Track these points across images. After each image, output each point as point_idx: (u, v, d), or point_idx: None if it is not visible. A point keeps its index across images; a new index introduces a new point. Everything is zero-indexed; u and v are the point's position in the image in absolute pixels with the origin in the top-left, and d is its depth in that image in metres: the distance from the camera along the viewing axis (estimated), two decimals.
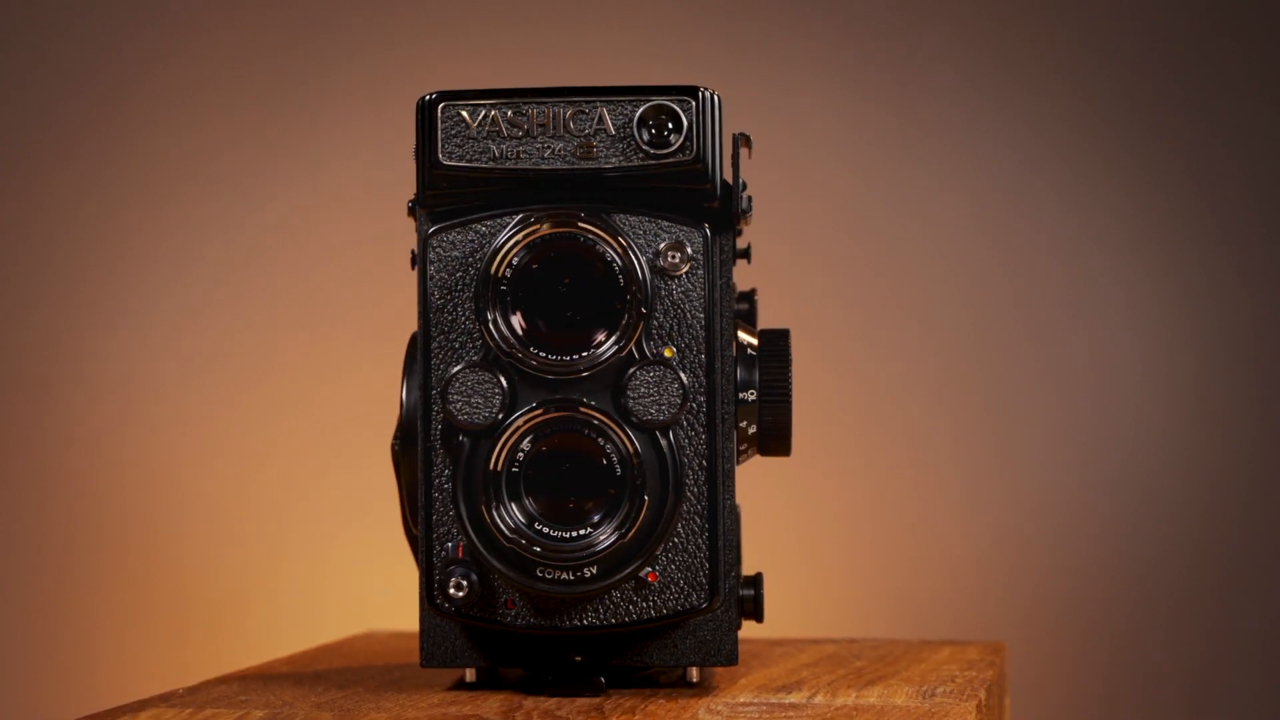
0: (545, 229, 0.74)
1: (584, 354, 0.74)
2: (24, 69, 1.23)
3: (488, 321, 0.73)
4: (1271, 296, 1.52)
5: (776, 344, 0.78)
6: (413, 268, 0.80)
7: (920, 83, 1.45)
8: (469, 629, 0.76)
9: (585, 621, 0.75)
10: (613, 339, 0.74)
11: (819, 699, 0.76)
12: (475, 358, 0.74)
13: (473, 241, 0.75)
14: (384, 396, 0.87)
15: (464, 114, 0.75)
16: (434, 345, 0.75)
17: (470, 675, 0.77)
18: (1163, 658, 1.48)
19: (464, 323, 0.74)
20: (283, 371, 1.28)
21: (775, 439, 0.78)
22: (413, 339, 0.79)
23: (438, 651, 0.77)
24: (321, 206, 1.28)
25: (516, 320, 0.74)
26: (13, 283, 1.23)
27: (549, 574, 0.74)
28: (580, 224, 0.74)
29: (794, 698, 0.78)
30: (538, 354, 0.74)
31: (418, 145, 0.76)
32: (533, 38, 1.37)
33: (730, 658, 0.78)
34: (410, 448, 0.76)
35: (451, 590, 0.73)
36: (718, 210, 0.77)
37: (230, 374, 1.26)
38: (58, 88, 1.24)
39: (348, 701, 0.76)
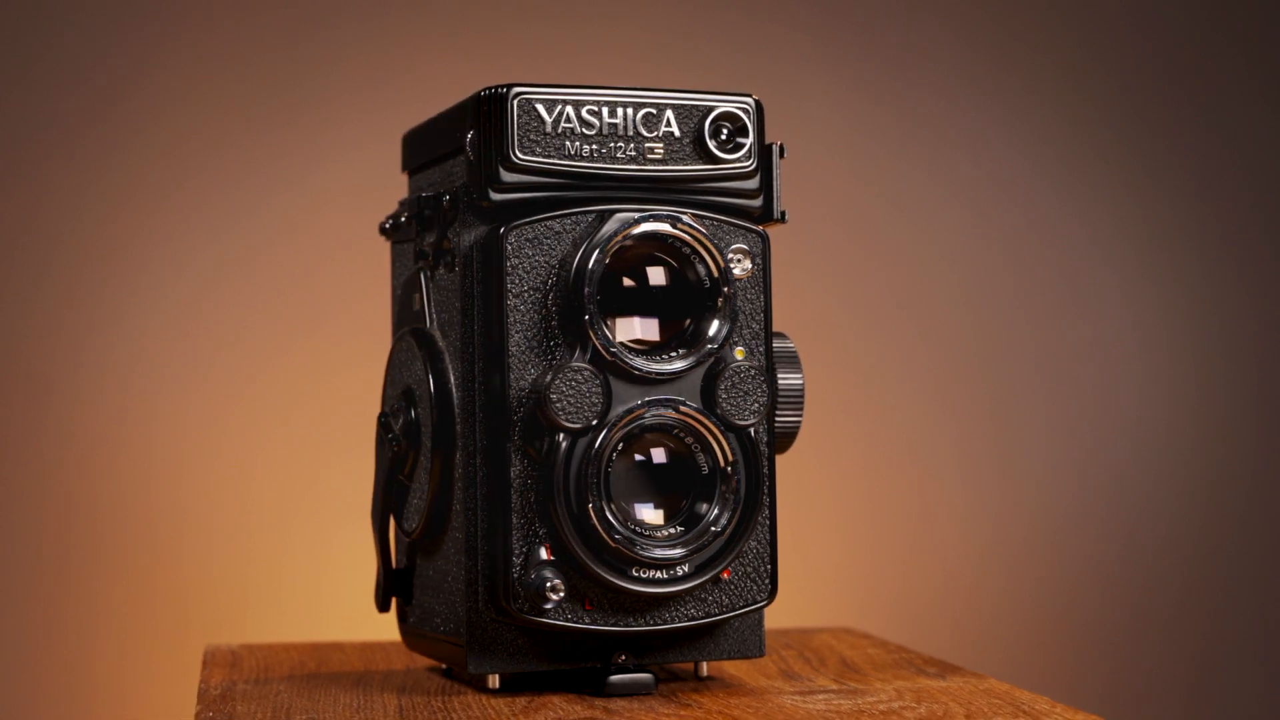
0: (640, 230, 0.73)
1: (678, 355, 0.74)
2: (24, 69, 1.23)
3: (589, 323, 0.73)
4: (1271, 296, 1.52)
5: (787, 349, 0.79)
6: (386, 236, 0.81)
7: (921, 83, 1.45)
8: (523, 630, 0.74)
9: (666, 619, 0.75)
10: (706, 341, 0.75)
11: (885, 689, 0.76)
12: (575, 358, 0.72)
13: (549, 240, 0.73)
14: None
15: (539, 109, 0.74)
16: (511, 344, 0.73)
17: (494, 681, 0.75)
18: (1163, 657, 1.48)
19: (543, 322, 0.73)
20: (282, 371, 1.28)
21: (785, 439, 0.79)
22: (419, 335, 0.78)
23: (488, 655, 0.75)
24: (322, 206, 1.28)
25: (614, 321, 0.74)
26: (13, 282, 1.23)
27: (643, 573, 0.73)
28: (678, 226, 0.74)
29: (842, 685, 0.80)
30: (635, 355, 0.74)
31: (479, 138, 0.74)
32: (534, 37, 1.37)
33: (760, 650, 0.79)
34: (446, 449, 0.75)
35: (549, 593, 0.72)
36: (762, 216, 0.78)
37: (230, 373, 1.26)
38: (57, 88, 1.24)
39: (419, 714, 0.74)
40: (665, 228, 0.74)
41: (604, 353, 0.73)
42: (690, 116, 0.76)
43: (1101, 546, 1.47)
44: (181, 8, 1.28)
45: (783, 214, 0.79)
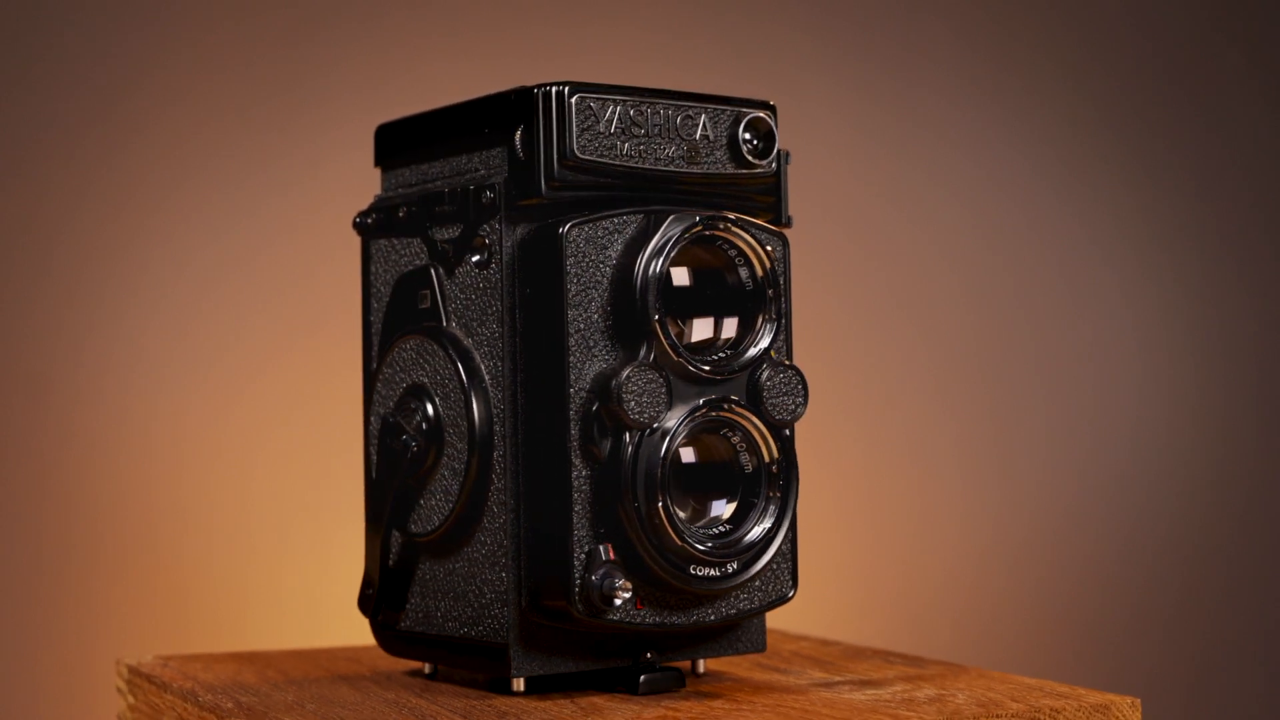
0: (701, 233, 0.74)
1: (727, 354, 0.75)
2: (24, 69, 1.23)
3: (659, 324, 0.73)
4: (1271, 296, 1.52)
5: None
6: (361, 231, 0.80)
7: (921, 83, 1.45)
8: (567, 633, 0.74)
9: (710, 615, 0.75)
10: (756, 340, 0.75)
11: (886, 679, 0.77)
12: (642, 358, 0.72)
13: (602, 239, 0.74)
14: None
15: (594, 107, 0.74)
16: (571, 343, 0.73)
17: (520, 684, 0.75)
18: (1163, 657, 1.48)
19: (598, 321, 0.73)
20: (282, 371, 1.28)
21: None
22: (435, 333, 0.76)
23: (529, 657, 0.74)
24: (321, 206, 1.28)
25: (678, 321, 0.74)
26: (12, 282, 1.23)
27: (700, 570, 0.74)
28: (730, 230, 0.75)
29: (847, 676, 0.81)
30: (695, 354, 0.74)
31: (535, 134, 0.74)
32: (534, 37, 1.37)
33: (763, 645, 0.80)
34: (484, 448, 0.73)
35: (618, 593, 0.72)
36: (773, 220, 0.79)
37: (230, 373, 1.26)
38: (57, 88, 1.24)
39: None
40: (720, 231, 0.75)
41: (671, 353, 0.73)
42: (721, 120, 0.77)
43: (1101, 546, 1.47)
44: (181, 8, 1.28)
45: (789, 219, 0.81)
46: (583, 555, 0.72)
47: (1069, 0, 1.50)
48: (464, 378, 0.75)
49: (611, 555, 0.72)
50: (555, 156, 0.74)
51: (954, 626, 1.43)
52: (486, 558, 0.75)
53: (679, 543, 0.72)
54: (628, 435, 0.72)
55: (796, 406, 0.76)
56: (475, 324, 0.76)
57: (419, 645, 0.79)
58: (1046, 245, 1.47)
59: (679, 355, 0.73)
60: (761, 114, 0.78)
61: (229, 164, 1.28)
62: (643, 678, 0.75)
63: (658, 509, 0.72)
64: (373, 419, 0.80)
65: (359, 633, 1.10)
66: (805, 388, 0.76)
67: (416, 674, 0.83)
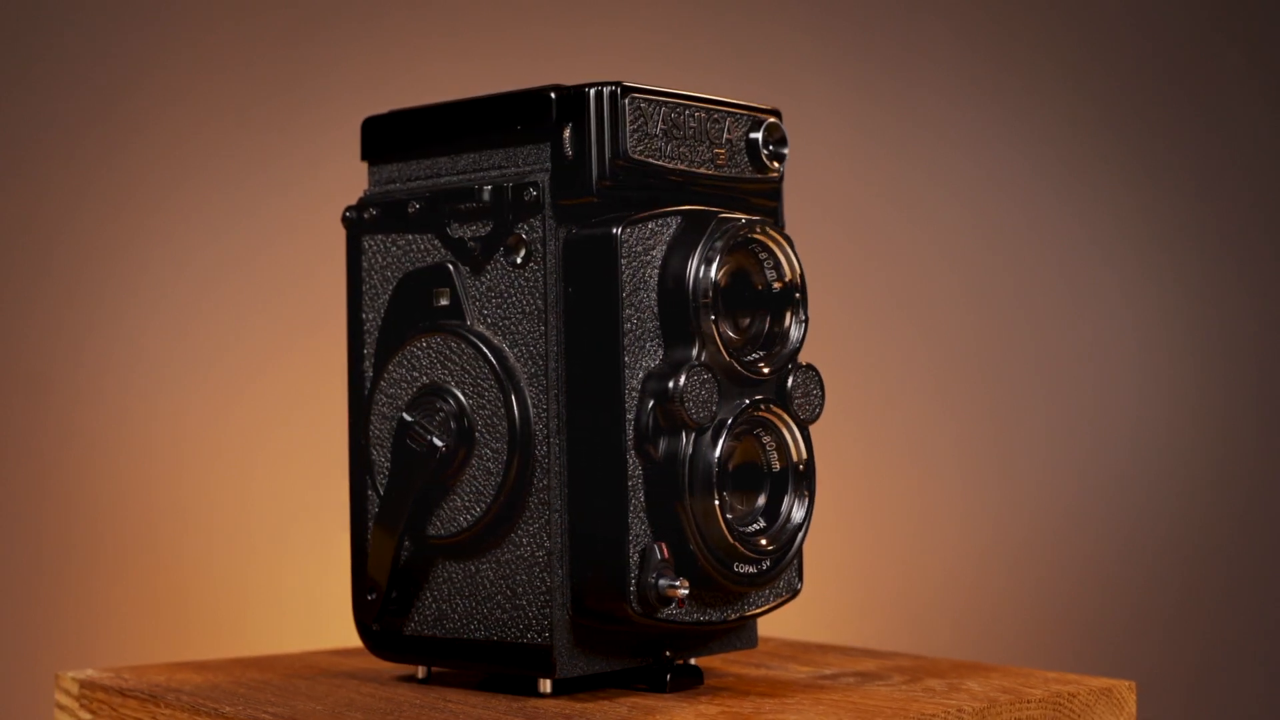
0: (745, 234, 0.75)
1: (765, 355, 0.76)
2: (24, 69, 1.23)
3: (715, 324, 0.73)
4: (1271, 296, 1.52)
5: None
6: (351, 227, 0.79)
7: (921, 83, 1.45)
8: (599, 633, 0.74)
9: (740, 610, 0.76)
10: (788, 342, 0.76)
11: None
12: (695, 359, 0.73)
13: (649, 240, 0.74)
14: None
15: (643, 108, 0.75)
16: (626, 342, 0.72)
17: (547, 686, 0.75)
18: (1163, 657, 1.48)
19: (647, 321, 0.73)
20: (282, 371, 1.28)
21: None
22: (459, 332, 0.75)
23: (571, 657, 0.74)
24: (321, 206, 1.28)
25: (728, 322, 0.75)
26: (12, 282, 1.23)
27: (742, 567, 0.74)
28: (768, 233, 0.76)
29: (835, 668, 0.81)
30: (740, 355, 0.75)
31: (586, 133, 0.74)
32: (534, 37, 1.37)
33: (755, 641, 0.80)
34: (524, 448, 0.72)
35: (678, 590, 0.72)
36: (776, 222, 0.80)
37: (230, 373, 1.26)
38: (57, 88, 1.24)
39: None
40: (758, 234, 0.75)
41: (724, 354, 0.74)
42: (741, 124, 0.78)
43: (1101, 546, 1.47)
44: (181, 8, 1.28)
45: (782, 223, 0.82)
46: (637, 555, 0.72)
47: (1069, 0, 1.50)
48: (501, 376, 0.74)
49: (666, 554, 0.72)
50: (608, 156, 0.74)
51: (954, 626, 1.43)
52: (524, 559, 0.74)
53: (730, 540, 0.73)
54: (684, 435, 0.72)
55: (816, 406, 0.77)
56: (508, 322, 0.75)
57: (426, 649, 0.78)
58: (1046, 245, 1.47)
59: (730, 357, 0.74)
60: (777, 120, 0.79)
61: (229, 164, 1.28)
62: (669, 676, 0.76)
63: (714, 507, 0.72)
64: (375, 418, 0.78)
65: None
66: (823, 387, 0.77)
67: (408, 679, 0.82)
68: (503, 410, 0.74)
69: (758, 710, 0.72)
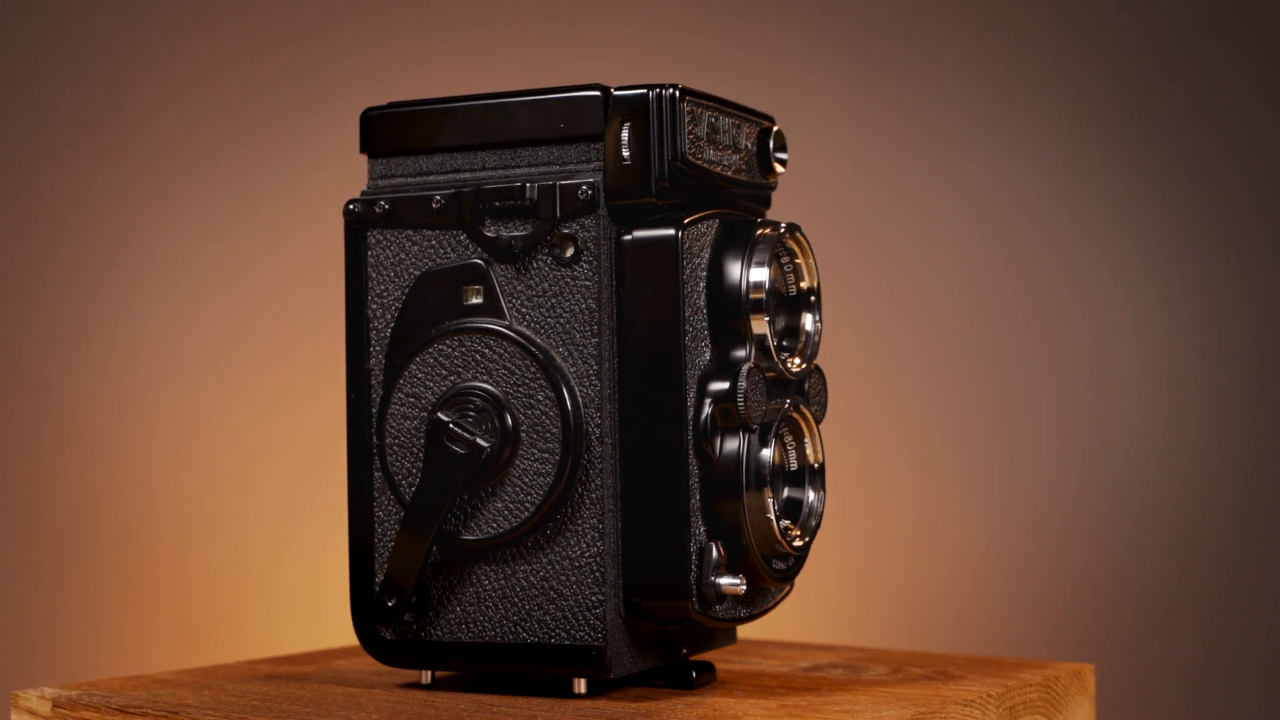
0: (784, 239, 0.76)
1: (802, 357, 0.77)
2: (24, 69, 1.23)
3: (770, 325, 0.74)
4: (1271, 296, 1.52)
5: None
6: (356, 221, 0.77)
7: (921, 83, 1.45)
8: (639, 632, 0.74)
9: (763, 605, 0.77)
10: (811, 343, 0.78)
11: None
12: (749, 360, 0.74)
13: (698, 241, 0.74)
14: None
15: (694, 112, 0.75)
16: (688, 341, 0.72)
17: (581, 686, 0.74)
18: (1163, 657, 1.48)
19: (699, 322, 0.74)
20: (282, 371, 1.28)
21: None
22: (497, 333, 0.73)
23: (621, 658, 0.74)
24: (322, 206, 1.28)
25: (774, 324, 0.76)
26: (12, 282, 1.23)
27: (777, 563, 0.75)
28: (799, 236, 0.77)
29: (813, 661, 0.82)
30: (784, 357, 0.76)
31: (648, 135, 0.73)
32: (533, 37, 1.37)
33: (734, 637, 0.82)
34: (576, 448, 0.72)
35: (740, 587, 0.72)
36: None
37: (230, 373, 1.26)
38: (57, 88, 1.24)
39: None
40: (792, 239, 0.77)
41: (775, 356, 0.75)
42: (753, 129, 0.79)
43: (1101, 546, 1.47)
44: (181, 8, 1.28)
45: None
46: (696, 554, 0.73)
47: (1070, 1, 1.49)
48: (550, 377, 0.73)
49: (722, 553, 0.73)
50: (667, 157, 0.74)
51: (954, 626, 1.43)
52: (573, 560, 0.73)
53: (778, 536, 0.74)
54: (741, 434, 0.73)
55: (823, 407, 0.79)
56: (554, 322, 0.74)
57: (448, 653, 0.76)
58: (1046, 245, 1.47)
59: (776, 358, 0.75)
60: (778, 127, 0.80)
61: (229, 164, 1.28)
62: (695, 674, 0.77)
63: (768, 504, 0.73)
64: (393, 419, 0.76)
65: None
66: (825, 388, 0.80)
67: (412, 685, 0.80)
68: (554, 410, 0.73)
69: (813, 705, 0.73)
